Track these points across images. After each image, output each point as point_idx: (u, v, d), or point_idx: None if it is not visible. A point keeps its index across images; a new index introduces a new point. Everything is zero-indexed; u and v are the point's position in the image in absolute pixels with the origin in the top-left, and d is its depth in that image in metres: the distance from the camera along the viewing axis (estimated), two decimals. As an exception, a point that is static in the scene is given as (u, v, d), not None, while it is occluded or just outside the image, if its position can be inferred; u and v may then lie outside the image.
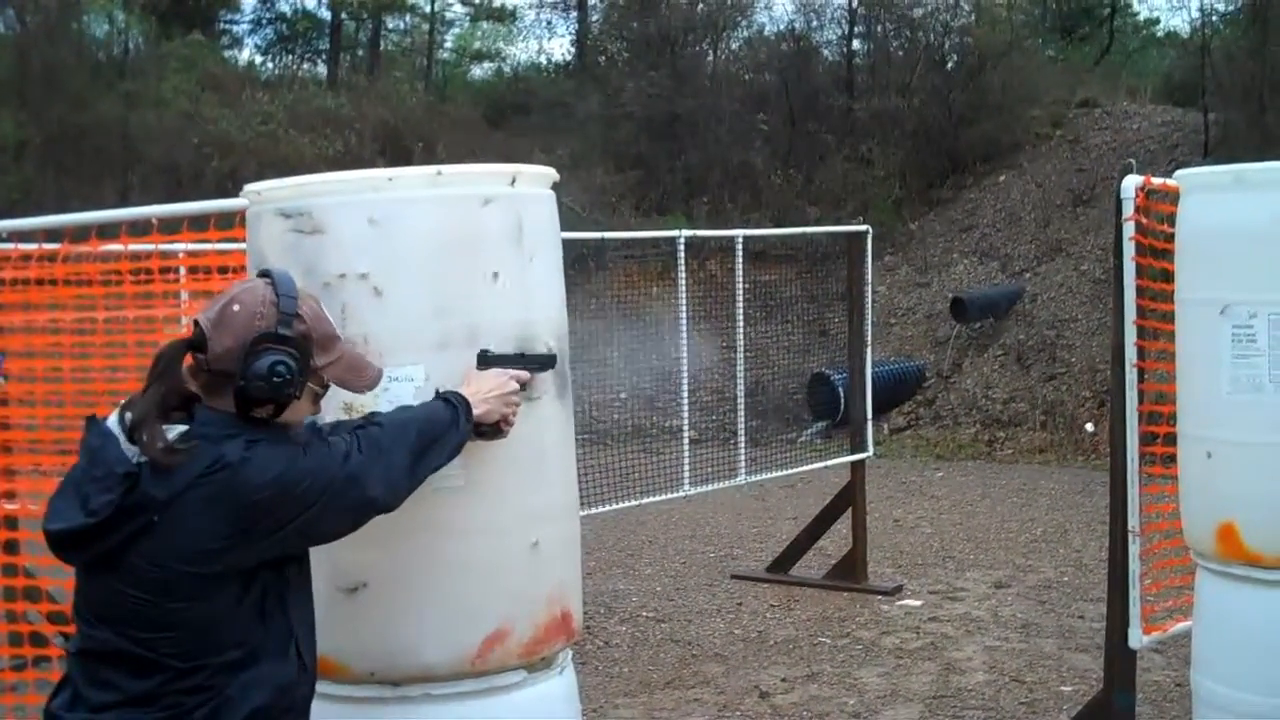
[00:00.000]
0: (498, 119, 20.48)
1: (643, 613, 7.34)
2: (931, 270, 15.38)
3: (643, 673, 6.25)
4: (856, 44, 19.57)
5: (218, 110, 18.03)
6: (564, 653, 2.86)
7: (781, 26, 20.66)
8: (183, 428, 2.16)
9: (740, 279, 7.65)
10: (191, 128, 17.64)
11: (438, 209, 2.64)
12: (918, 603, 7.34)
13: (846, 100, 18.22)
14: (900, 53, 18.85)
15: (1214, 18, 18.37)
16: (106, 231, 4.63)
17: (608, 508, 7.12)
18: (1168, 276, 4.11)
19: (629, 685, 6.06)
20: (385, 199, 2.62)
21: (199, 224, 4.51)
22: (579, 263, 11.61)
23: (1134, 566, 4.24)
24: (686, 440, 7.48)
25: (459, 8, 25.22)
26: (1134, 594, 4.24)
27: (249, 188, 2.79)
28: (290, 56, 24.79)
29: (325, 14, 24.21)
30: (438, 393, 2.52)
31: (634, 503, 7.38)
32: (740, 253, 7.60)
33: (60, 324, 5.20)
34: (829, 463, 8.57)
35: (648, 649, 6.64)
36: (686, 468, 7.38)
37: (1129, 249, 4.17)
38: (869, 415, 8.00)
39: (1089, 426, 12.28)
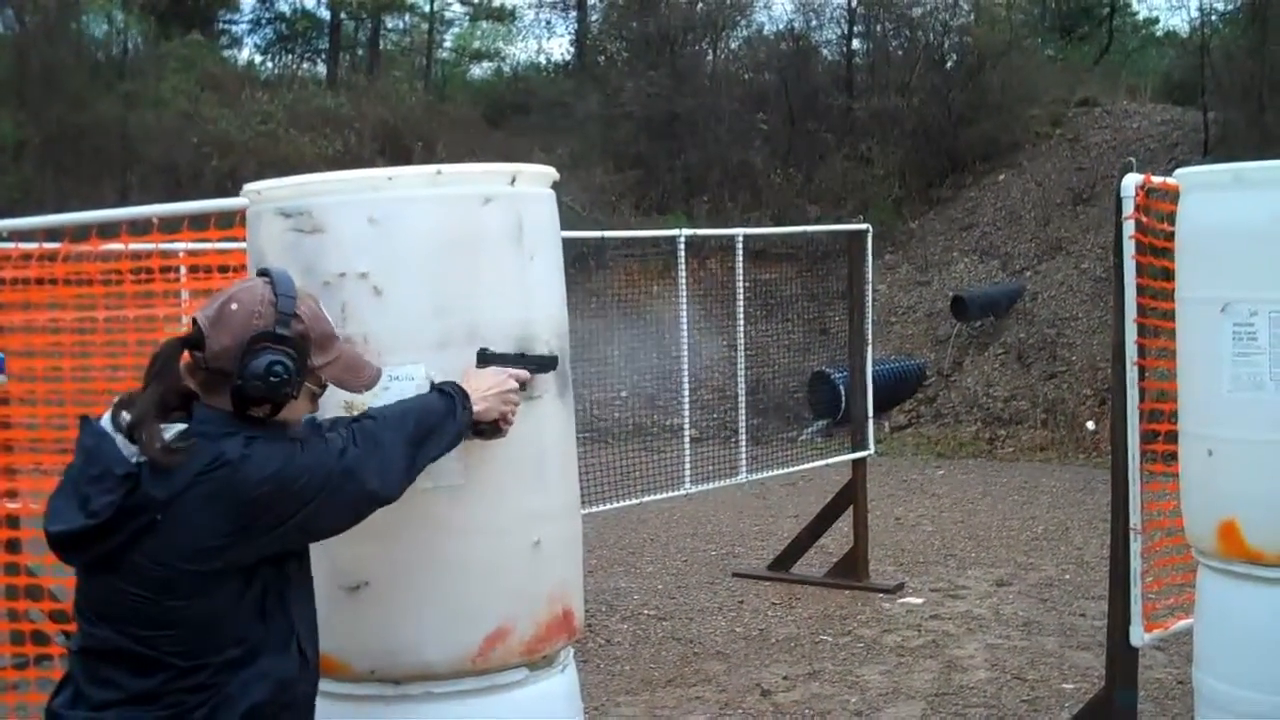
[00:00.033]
0: (497, 118, 20.48)
1: (644, 611, 7.34)
2: (932, 269, 15.38)
3: (644, 671, 6.25)
4: (856, 43, 19.59)
5: (217, 110, 18.03)
6: (565, 651, 2.86)
7: (781, 26, 20.68)
8: (180, 426, 2.16)
9: (740, 278, 7.65)
10: (191, 127, 17.64)
11: (438, 208, 2.64)
12: (919, 600, 7.34)
13: (846, 99, 18.22)
14: (900, 52, 18.85)
15: (1213, 17, 18.38)
16: (107, 231, 4.62)
17: (609, 506, 7.12)
18: (1168, 275, 4.11)
19: (630, 683, 6.06)
20: (385, 198, 2.62)
21: (199, 223, 4.51)
22: (579, 262, 11.62)
23: (1135, 564, 4.24)
24: (687, 438, 7.48)
25: (458, 7, 25.25)
26: (1135, 592, 4.24)
27: (249, 187, 2.80)
28: (290, 56, 24.80)
29: (324, 13, 24.24)
30: (433, 384, 2.52)
31: (635, 501, 7.38)
32: (740, 252, 7.60)
33: (61, 323, 5.20)
34: (830, 461, 8.57)
35: (649, 647, 6.64)
36: (687, 466, 7.38)
37: (1129, 247, 4.17)
38: (870, 413, 8.00)
39: (1090, 424, 12.28)
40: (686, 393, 7.42)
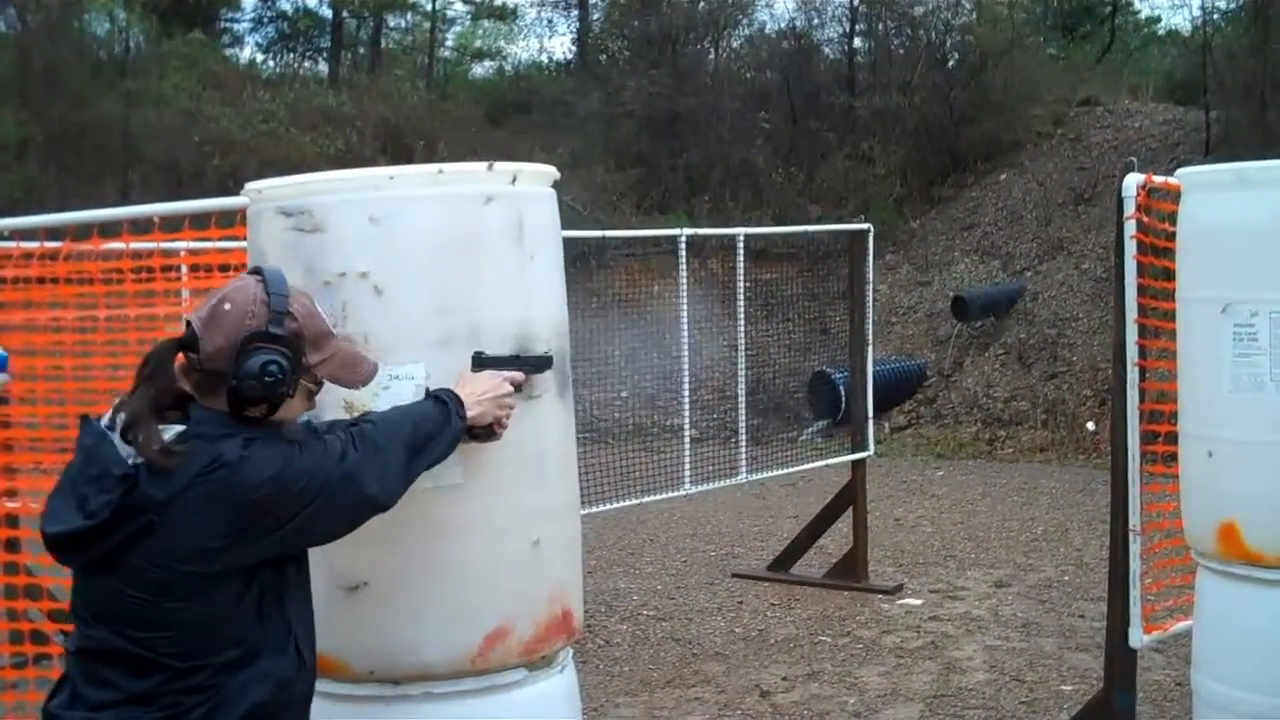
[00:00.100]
0: (499, 117, 20.47)
1: (643, 611, 7.34)
2: (933, 269, 15.37)
3: (643, 671, 6.25)
4: (858, 42, 19.58)
5: (219, 109, 18.03)
6: (564, 651, 2.86)
7: (783, 24, 20.72)
8: (179, 428, 2.16)
9: (741, 277, 7.65)
10: (192, 126, 17.64)
11: (439, 207, 2.64)
12: (918, 602, 7.34)
13: (848, 98, 18.21)
14: (901, 51, 18.85)
15: (1215, 16, 18.39)
16: (108, 230, 4.63)
17: (608, 506, 7.12)
18: (1169, 275, 4.11)
19: (630, 684, 6.06)
20: (386, 197, 2.62)
21: (200, 222, 4.52)
22: (580, 261, 11.63)
23: (1135, 565, 4.23)
24: (687, 439, 7.48)
25: (460, 6, 25.25)
26: (1135, 593, 4.24)
27: (250, 186, 2.79)
28: (291, 55, 24.80)
29: (326, 12, 24.23)
30: (428, 392, 2.52)
31: (635, 501, 7.38)
32: (741, 251, 7.60)
33: (62, 322, 5.20)
34: (830, 461, 8.57)
35: (648, 647, 6.64)
36: (687, 466, 7.38)
37: (1130, 247, 4.17)
38: (870, 414, 8.00)
39: (1090, 425, 12.28)
40: (687, 393, 7.42)
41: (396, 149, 17.64)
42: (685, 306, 7.25)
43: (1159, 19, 24.83)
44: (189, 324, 2.22)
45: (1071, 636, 6.57)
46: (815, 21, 19.59)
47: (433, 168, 2.71)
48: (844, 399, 10.70)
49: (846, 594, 7.47)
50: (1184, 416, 3.97)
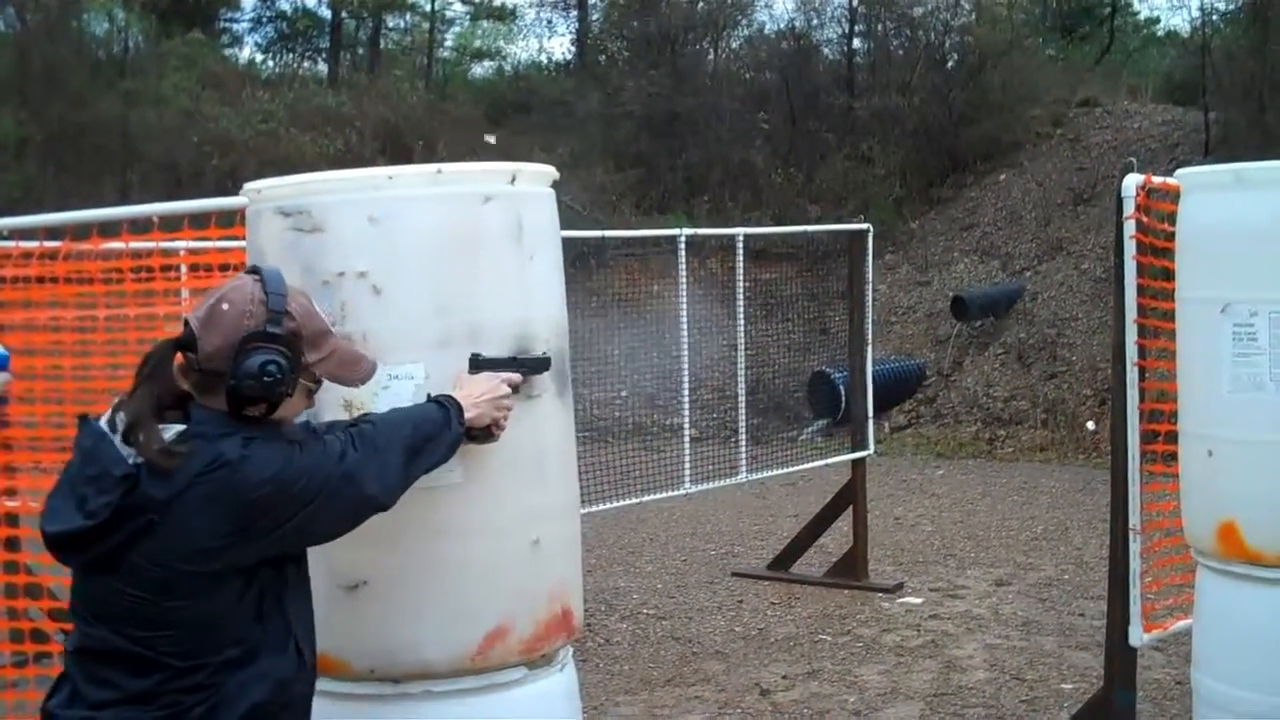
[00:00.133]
0: (498, 117, 20.47)
1: (643, 610, 7.34)
2: (932, 269, 15.38)
3: (643, 670, 6.25)
4: (857, 43, 19.58)
5: (218, 108, 18.02)
6: (564, 650, 2.86)
7: (782, 25, 20.68)
8: (179, 427, 2.16)
9: (741, 277, 7.65)
10: (192, 126, 17.64)
11: (438, 207, 2.64)
12: (918, 600, 7.34)
13: (847, 99, 18.21)
14: (901, 51, 18.85)
15: (1214, 17, 18.38)
16: (108, 229, 4.63)
17: (608, 505, 7.13)
18: (1168, 275, 4.11)
19: (630, 682, 6.06)
20: (385, 197, 2.62)
21: (200, 222, 4.52)
22: (580, 261, 11.63)
23: (1135, 564, 4.24)
24: (687, 438, 7.48)
25: (459, 6, 25.23)
26: (1135, 592, 4.24)
27: (249, 186, 2.79)
28: (290, 55, 24.79)
29: (325, 12, 24.22)
30: (429, 396, 2.52)
31: (635, 500, 7.39)
32: (741, 251, 7.60)
33: (61, 322, 5.20)
34: (830, 461, 8.57)
35: (648, 646, 6.64)
36: (687, 465, 7.38)
37: (1130, 248, 4.17)
38: (870, 413, 8.01)
39: (1090, 425, 12.28)
40: (686, 392, 7.42)
41: (395, 149, 17.64)
42: (685, 306, 7.25)
43: (1158, 20, 24.86)
44: (187, 324, 2.21)
45: (1071, 635, 6.57)
46: (814, 22, 19.61)
47: (431, 168, 2.71)
48: (844, 398, 10.71)
49: (846, 593, 7.47)
50: (1184, 416, 3.97)
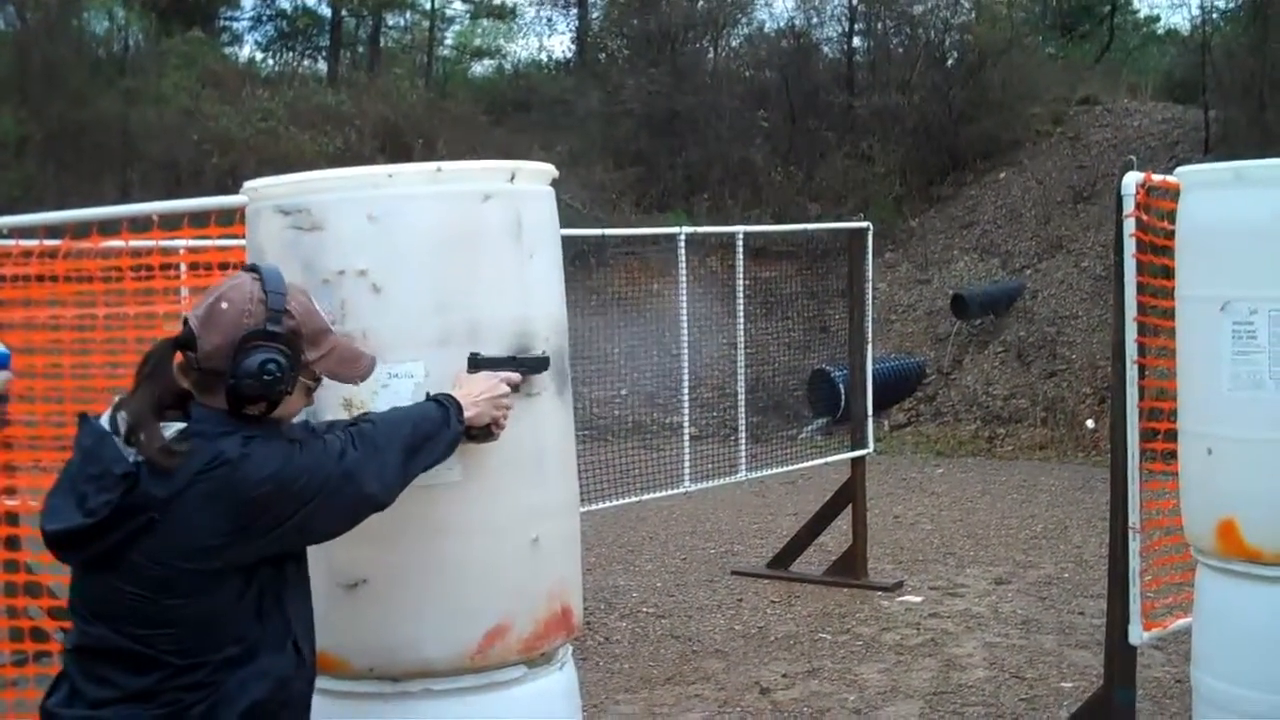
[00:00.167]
0: (498, 116, 20.47)
1: (643, 609, 7.34)
2: (932, 267, 15.37)
3: (643, 668, 6.26)
4: (857, 41, 19.57)
5: (218, 107, 18.01)
6: (564, 648, 2.86)
7: (782, 23, 20.65)
8: (179, 425, 2.16)
9: (741, 275, 7.65)
10: (191, 124, 17.63)
11: (437, 205, 2.64)
12: (918, 599, 7.34)
13: (847, 97, 18.21)
14: (900, 50, 18.84)
15: (1214, 15, 18.38)
16: (107, 228, 4.63)
17: (608, 504, 7.13)
18: (1168, 273, 4.11)
19: (629, 681, 6.06)
20: (385, 195, 2.62)
21: (200, 220, 4.51)
22: (579, 259, 11.63)
23: (1134, 563, 4.24)
24: (687, 436, 7.48)
25: (459, 5, 25.23)
26: (1134, 590, 4.24)
27: (248, 184, 2.79)
28: (290, 53, 24.78)
29: (325, 11, 24.22)
30: (428, 395, 2.52)
31: (634, 499, 7.39)
32: (741, 249, 7.60)
33: (60, 320, 5.20)
34: (829, 459, 8.57)
35: (648, 645, 6.64)
36: (687, 464, 7.38)
37: (1129, 246, 4.17)
38: (869, 412, 8.01)
39: (1089, 423, 12.28)
40: (686, 390, 7.42)
41: (395, 147, 17.62)
42: (685, 304, 7.25)
43: (1158, 18, 24.88)
44: (186, 322, 2.21)
45: (1071, 633, 6.57)
46: (814, 20, 19.60)
47: (431, 166, 2.70)
48: (843, 397, 10.71)
49: (846, 591, 7.48)
50: (1183, 414, 3.97)
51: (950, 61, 18.42)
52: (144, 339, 4.78)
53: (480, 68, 25.42)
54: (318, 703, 2.42)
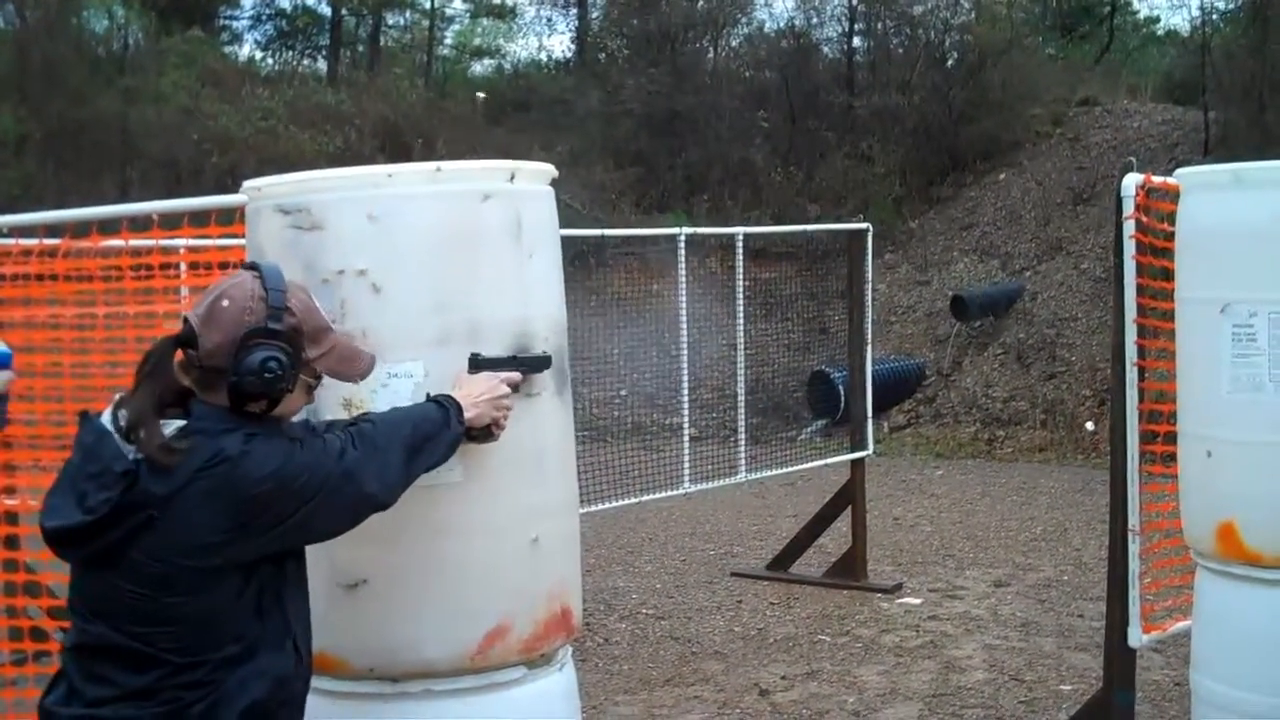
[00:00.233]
0: (498, 115, 20.47)
1: (642, 610, 7.34)
2: (932, 268, 15.37)
3: (642, 670, 6.25)
4: (857, 41, 19.58)
5: (217, 106, 18.02)
6: (564, 649, 2.86)
7: (782, 24, 20.67)
8: (179, 423, 2.16)
9: (740, 276, 7.65)
10: (191, 123, 17.63)
11: (437, 205, 2.64)
12: (917, 601, 7.34)
13: (847, 97, 18.21)
14: (900, 50, 18.84)
15: (1214, 16, 18.40)
16: (107, 227, 4.63)
17: (608, 505, 7.12)
18: (1168, 275, 4.11)
19: (629, 682, 6.06)
20: (384, 195, 2.62)
21: (199, 220, 4.51)
22: (579, 259, 11.63)
23: (1134, 565, 4.23)
24: (687, 438, 7.48)
25: (459, 4, 25.25)
26: (1134, 593, 4.24)
27: (248, 184, 2.79)
28: (290, 52, 24.79)
29: (325, 10, 24.24)
30: (429, 396, 2.52)
31: (634, 500, 7.38)
32: (740, 250, 7.60)
33: (60, 319, 5.20)
34: (829, 460, 8.57)
35: (647, 646, 6.64)
36: (686, 465, 7.38)
37: (1129, 247, 4.17)
38: (869, 413, 8.00)
39: (1089, 425, 12.28)
40: (686, 392, 7.42)
41: (395, 147, 17.63)
42: (684, 305, 7.25)
43: (1158, 19, 24.89)
44: (186, 320, 2.21)
45: (1070, 636, 6.57)
46: (814, 21, 19.61)
47: (431, 165, 2.70)
48: (843, 398, 10.71)
49: (845, 593, 7.47)
50: (1183, 416, 3.97)
51: (950, 62, 18.43)
52: (144, 338, 4.78)
53: (480, 67, 25.46)
54: (317, 703, 2.42)
